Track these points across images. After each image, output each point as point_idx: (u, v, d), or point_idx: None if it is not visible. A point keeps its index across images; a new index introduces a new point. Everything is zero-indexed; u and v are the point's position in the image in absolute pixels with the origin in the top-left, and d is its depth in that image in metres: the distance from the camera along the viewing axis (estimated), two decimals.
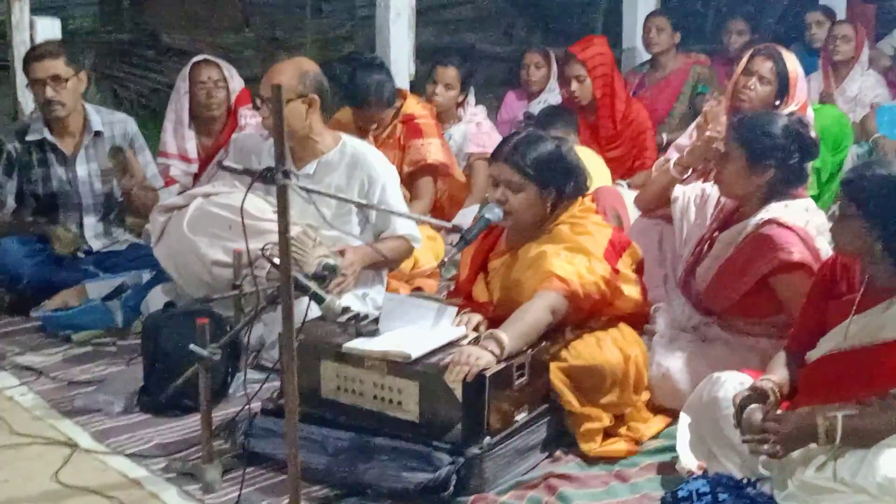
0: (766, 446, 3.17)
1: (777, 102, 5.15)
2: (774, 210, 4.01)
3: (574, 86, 6.21)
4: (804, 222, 3.99)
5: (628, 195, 5.38)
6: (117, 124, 5.36)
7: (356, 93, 5.76)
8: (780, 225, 3.94)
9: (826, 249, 3.94)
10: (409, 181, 5.79)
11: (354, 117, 5.88)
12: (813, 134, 4.13)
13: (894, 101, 7.47)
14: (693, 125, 5.45)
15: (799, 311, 3.62)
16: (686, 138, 5.40)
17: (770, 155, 4.00)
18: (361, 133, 5.76)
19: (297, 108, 4.39)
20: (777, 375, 3.40)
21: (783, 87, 5.15)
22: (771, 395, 3.31)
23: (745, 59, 5.25)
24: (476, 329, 3.79)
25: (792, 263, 3.88)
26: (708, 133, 4.61)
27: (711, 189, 4.39)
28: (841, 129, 6.47)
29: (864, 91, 7.59)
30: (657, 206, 4.74)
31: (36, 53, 5.17)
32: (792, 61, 5.23)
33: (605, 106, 6.24)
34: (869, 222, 3.18)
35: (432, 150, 5.86)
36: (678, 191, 4.55)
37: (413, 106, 6.00)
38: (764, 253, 3.92)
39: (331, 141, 4.59)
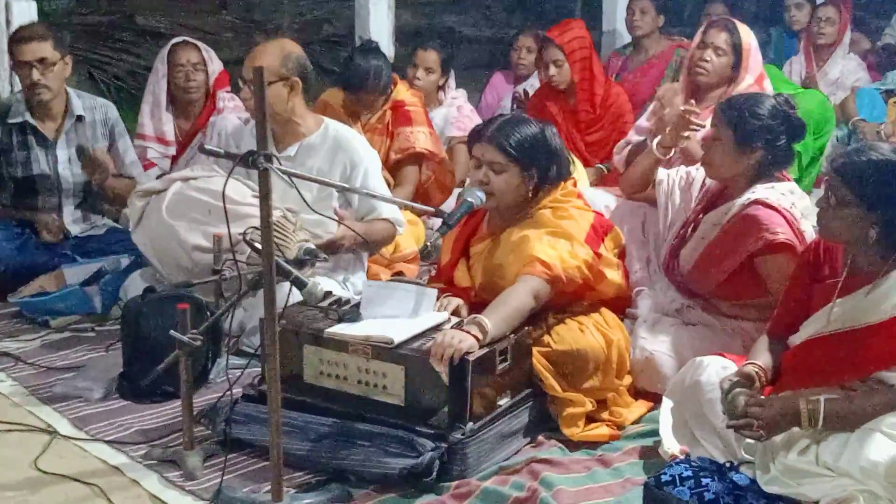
0: (749, 430, 3.17)
1: (733, 75, 5.13)
2: (760, 191, 4.01)
3: (552, 70, 6.17)
4: (790, 204, 3.99)
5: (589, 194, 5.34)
6: (98, 109, 5.33)
7: (353, 77, 5.71)
8: (766, 206, 3.95)
9: (810, 232, 3.94)
10: (394, 168, 5.77)
11: (346, 101, 5.84)
12: (800, 114, 4.13)
13: (874, 85, 7.49)
14: (650, 108, 5.44)
15: (782, 293, 3.63)
16: (645, 120, 5.40)
17: (758, 136, 4.00)
18: (352, 117, 5.73)
19: (278, 90, 4.36)
20: (761, 360, 3.40)
21: (739, 58, 5.14)
22: (756, 379, 3.31)
23: (699, 32, 5.24)
24: (456, 313, 3.78)
25: (777, 244, 3.89)
26: (684, 107, 4.62)
27: (696, 172, 4.39)
28: (824, 113, 6.49)
29: (845, 74, 7.60)
30: (641, 188, 4.74)
31: (23, 35, 5.11)
32: (746, 32, 5.20)
33: (583, 90, 6.21)
34: (866, 209, 3.17)
35: (420, 138, 5.84)
36: (662, 174, 4.54)
37: (403, 93, 5.96)
38: (749, 233, 3.92)
39: (313, 124, 4.56)
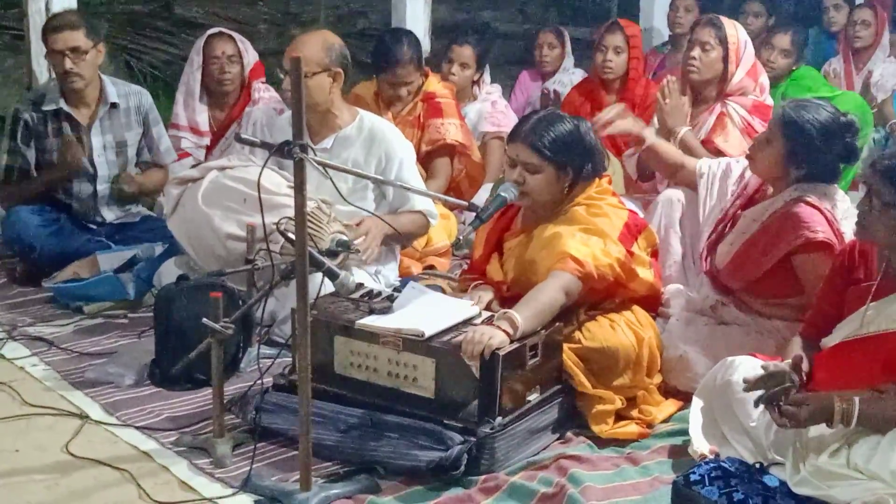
0: (778, 417, 3.16)
1: (724, 68, 5.16)
2: (803, 189, 3.99)
3: (610, 55, 6.20)
4: (831, 205, 3.98)
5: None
6: (133, 96, 5.35)
7: (388, 53, 5.72)
8: (808, 204, 3.93)
9: (850, 234, 3.92)
10: (426, 160, 5.78)
11: (380, 88, 5.85)
12: (858, 142, 4.10)
13: None
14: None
15: (816, 293, 3.61)
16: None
17: (809, 156, 3.98)
18: (386, 107, 5.75)
19: (321, 80, 4.38)
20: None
21: (727, 52, 5.15)
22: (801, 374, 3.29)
23: (689, 32, 5.28)
24: (488, 307, 3.78)
25: (816, 242, 3.87)
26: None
27: (735, 164, 4.39)
28: (862, 116, 6.42)
29: (885, 77, 7.52)
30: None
31: (56, 24, 5.12)
32: (733, 26, 5.23)
33: (628, 89, 6.25)
34: None
35: (451, 130, 5.84)
36: (704, 166, 4.54)
37: (434, 84, 5.97)
38: (789, 230, 3.90)
39: (348, 116, 4.58)
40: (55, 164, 5.18)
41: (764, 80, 5.30)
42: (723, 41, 5.14)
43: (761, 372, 3.29)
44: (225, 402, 3.56)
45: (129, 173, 5.29)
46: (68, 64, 5.05)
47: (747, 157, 4.20)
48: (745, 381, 3.28)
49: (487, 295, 3.87)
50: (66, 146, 5.11)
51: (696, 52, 5.14)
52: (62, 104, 5.17)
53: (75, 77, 5.09)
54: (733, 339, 4.02)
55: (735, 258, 4.09)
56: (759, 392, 3.22)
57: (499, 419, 3.42)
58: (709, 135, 5.08)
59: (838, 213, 3.98)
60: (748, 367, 3.48)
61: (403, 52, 5.72)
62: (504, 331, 3.44)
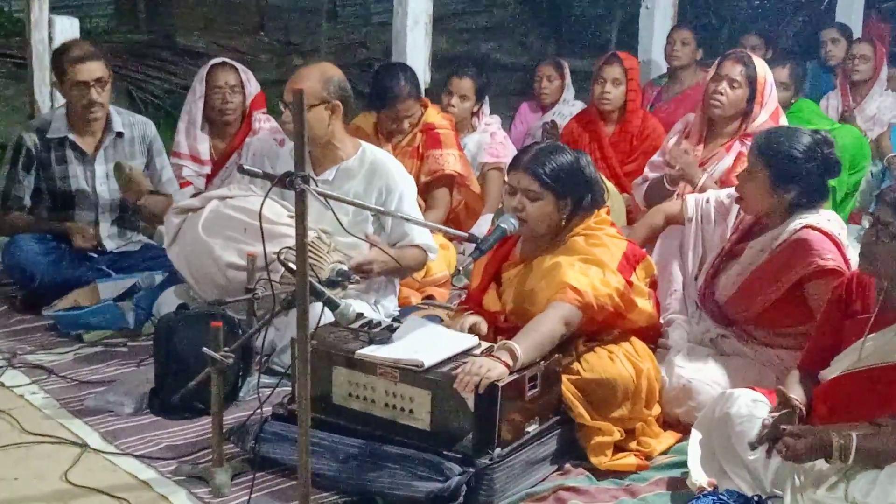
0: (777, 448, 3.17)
1: (748, 108, 5.14)
2: (809, 217, 4.00)
3: (608, 87, 6.24)
4: (839, 229, 3.98)
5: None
6: (137, 126, 5.35)
7: (387, 90, 5.75)
8: (817, 230, 3.94)
9: (854, 260, 3.93)
10: (425, 191, 5.79)
11: (380, 121, 5.88)
12: (837, 153, 4.11)
13: None
14: (667, 141, 5.47)
15: (814, 325, 3.61)
16: (658, 156, 5.41)
17: (794, 176, 3.99)
18: (386, 139, 5.78)
19: (320, 113, 4.39)
20: (795, 395, 3.39)
21: (754, 91, 5.12)
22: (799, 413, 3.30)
23: (714, 65, 5.22)
24: (474, 329, 3.81)
25: (827, 270, 3.87)
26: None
27: (727, 199, 4.39)
28: (860, 149, 6.46)
29: (882, 111, 7.56)
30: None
31: (78, 55, 5.08)
32: (762, 66, 5.19)
33: (626, 121, 6.28)
34: None
35: (450, 161, 5.87)
36: (691, 209, 4.52)
37: (433, 115, 6.00)
38: (800, 257, 3.91)
39: (351, 148, 4.60)
40: (57, 192, 5.18)
41: (783, 121, 5.25)
42: (751, 80, 5.09)
43: (761, 428, 3.31)
44: (224, 431, 3.56)
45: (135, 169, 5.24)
46: (94, 95, 5.04)
47: (737, 199, 4.19)
48: (749, 444, 3.30)
49: (472, 318, 3.89)
50: (79, 232, 5.15)
51: (723, 87, 5.09)
52: (68, 132, 5.18)
53: (98, 107, 5.09)
54: (735, 369, 4.01)
55: (742, 289, 4.08)
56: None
57: (497, 450, 3.42)
58: (727, 175, 5.05)
59: (843, 238, 3.99)
60: (746, 399, 3.49)
61: (401, 88, 5.76)
62: (504, 362, 3.44)
